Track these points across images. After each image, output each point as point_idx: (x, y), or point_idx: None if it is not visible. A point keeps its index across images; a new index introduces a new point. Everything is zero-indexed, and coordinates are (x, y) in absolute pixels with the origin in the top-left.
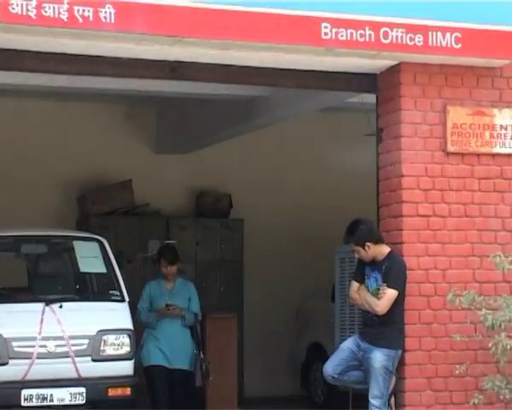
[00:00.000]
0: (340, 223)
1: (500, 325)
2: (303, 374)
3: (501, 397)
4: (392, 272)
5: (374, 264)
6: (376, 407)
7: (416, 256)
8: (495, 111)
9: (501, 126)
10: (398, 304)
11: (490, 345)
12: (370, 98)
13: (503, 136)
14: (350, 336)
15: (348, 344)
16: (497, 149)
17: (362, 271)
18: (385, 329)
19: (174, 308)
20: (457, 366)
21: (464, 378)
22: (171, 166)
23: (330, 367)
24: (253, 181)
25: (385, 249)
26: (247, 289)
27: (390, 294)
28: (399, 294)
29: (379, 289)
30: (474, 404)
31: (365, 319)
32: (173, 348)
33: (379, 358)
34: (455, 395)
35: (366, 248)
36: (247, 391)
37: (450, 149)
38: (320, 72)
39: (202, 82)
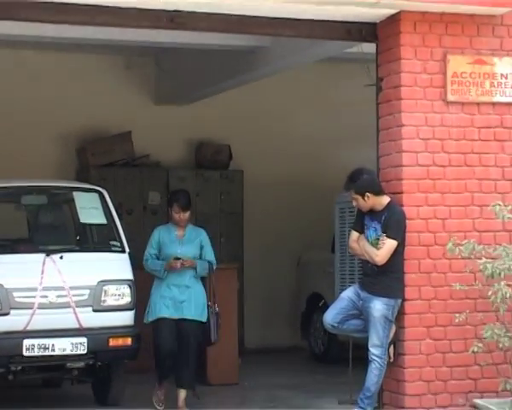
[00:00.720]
0: (341, 173)
1: (499, 274)
2: (303, 325)
3: (500, 345)
4: (392, 222)
5: (373, 214)
6: (376, 356)
7: (415, 206)
8: (495, 60)
9: (501, 75)
10: (397, 254)
11: (489, 294)
12: (370, 48)
13: (503, 85)
14: (350, 286)
15: (348, 293)
16: (498, 98)
17: (361, 221)
18: (384, 278)
19: (185, 261)
20: (457, 315)
21: (464, 327)
22: (171, 118)
23: (330, 316)
24: (252, 132)
25: (384, 200)
26: (246, 241)
27: (389, 244)
28: (399, 244)
29: (378, 239)
30: (473, 352)
31: (365, 269)
32: (183, 300)
33: (378, 307)
34: (454, 343)
35: (365, 198)
36: (247, 342)
37: (451, 98)
38: (320, 21)
39: (201, 32)
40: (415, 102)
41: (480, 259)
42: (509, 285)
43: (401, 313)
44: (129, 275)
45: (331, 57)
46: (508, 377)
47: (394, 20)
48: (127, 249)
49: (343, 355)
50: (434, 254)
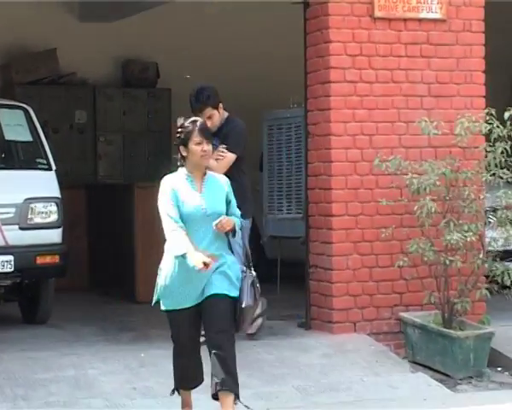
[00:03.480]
0: (269, 92)
1: (425, 189)
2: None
3: (425, 259)
4: (231, 135)
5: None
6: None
7: (343, 122)
8: None
9: None
10: (238, 170)
11: (415, 209)
12: None
13: (429, 1)
14: (278, 204)
15: None
16: (424, 15)
17: None
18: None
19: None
20: (383, 230)
21: (390, 242)
22: (97, 35)
23: None
24: (180, 50)
25: (225, 114)
26: (174, 158)
27: (228, 157)
28: (239, 158)
29: None
30: (398, 267)
31: None
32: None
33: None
34: (380, 258)
35: (220, 109)
36: None
37: (378, 14)
38: None
39: None
40: (342, 18)
41: (407, 175)
42: (434, 200)
43: (329, 228)
44: (56, 193)
45: None
46: (432, 290)
47: None
48: (54, 167)
49: (271, 274)
50: (361, 170)
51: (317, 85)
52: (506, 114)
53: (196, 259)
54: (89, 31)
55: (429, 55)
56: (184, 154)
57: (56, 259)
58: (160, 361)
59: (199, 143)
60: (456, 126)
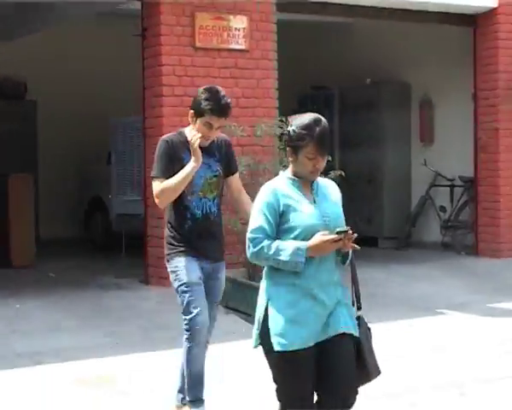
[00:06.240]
0: (115, 103)
1: None
2: (86, 221)
3: (235, 230)
4: (233, 156)
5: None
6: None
7: (172, 126)
8: (231, 17)
9: (236, 29)
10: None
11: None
12: (138, 4)
13: (237, 36)
14: (123, 189)
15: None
16: (233, 46)
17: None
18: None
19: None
20: None
21: None
22: None
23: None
24: (45, 70)
25: None
26: (41, 154)
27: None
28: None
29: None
30: None
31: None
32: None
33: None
34: None
35: None
36: (42, 236)
37: (198, 44)
38: None
39: None
40: (171, 47)
41: None
42: None
43: None
44: None
45: (107, 11)
46: (240, 252)
47: None
48: None
49: (119, 246)
50: None
51: (152, 98)
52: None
53: (321, 239)
54: None
55: (237, 77)
56: (291, 159)
57: None
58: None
59: (312, 159)
60: (256, 130)
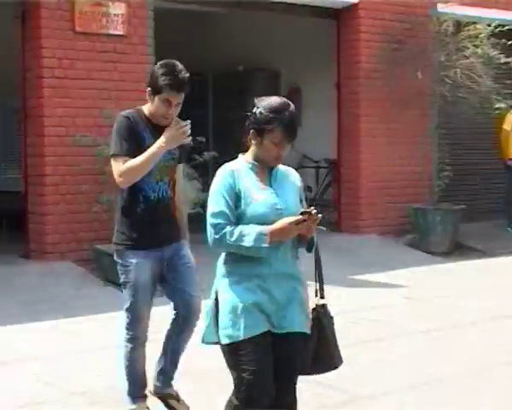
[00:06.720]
0: None
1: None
2: None
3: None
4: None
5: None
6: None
7: (53, 107)
8: (110, 3)
9: (114, 15)
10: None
11: (106, 170)
12: None
13: (115, 22)
14: (4, 167)
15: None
16: (112, 31)
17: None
18: None
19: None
20: (83, 186)
21: (88, 194)
22: None
23: None
24: None
25: None
26: None
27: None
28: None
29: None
30: (94, 212)
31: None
32: (287, 294)
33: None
34: (81, 206)
35: None
36: None
37: (78, 29)
38: None
39: None
40: (51, 30)
41: (100, 146)
42: None
43: (42, 185)
44: None
45: None
46: None
47: None
48: None
49: None
50: (66, 142)
51: (33, 79)
52: None
53: (284, 221)
54: None
55: (115, 61)
56: (254, 142)
57: None
58: None
59: (277, 144)
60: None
